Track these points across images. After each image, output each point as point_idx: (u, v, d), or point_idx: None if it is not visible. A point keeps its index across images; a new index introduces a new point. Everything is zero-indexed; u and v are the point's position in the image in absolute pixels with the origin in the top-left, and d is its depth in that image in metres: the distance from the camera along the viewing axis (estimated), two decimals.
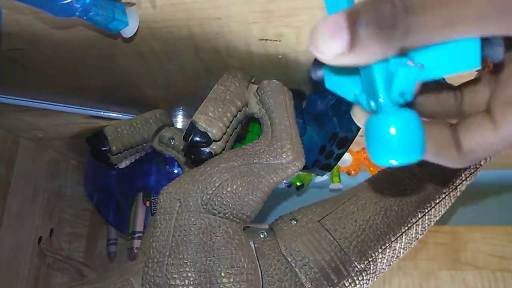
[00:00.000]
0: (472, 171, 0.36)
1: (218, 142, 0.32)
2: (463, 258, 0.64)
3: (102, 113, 0.43)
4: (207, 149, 0.32)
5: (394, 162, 0.15)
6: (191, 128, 0.31)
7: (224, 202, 0.29)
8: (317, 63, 0.17)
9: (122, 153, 0.40)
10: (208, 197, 0.29)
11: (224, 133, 0.32)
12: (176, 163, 0.50)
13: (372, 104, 0.15)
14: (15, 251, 0.51)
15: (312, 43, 0.13)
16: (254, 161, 0.31)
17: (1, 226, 0.48)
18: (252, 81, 0.35)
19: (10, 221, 0.50)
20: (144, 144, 0.41)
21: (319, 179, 0.57)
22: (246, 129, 0.44)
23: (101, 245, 0.69)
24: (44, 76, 0.37)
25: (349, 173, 0.58)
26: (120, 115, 0.44)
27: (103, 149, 0.38)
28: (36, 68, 0.35)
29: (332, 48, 0.13)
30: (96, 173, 0.55)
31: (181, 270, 0.27)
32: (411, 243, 0.34)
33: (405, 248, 0.34)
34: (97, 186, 0.57)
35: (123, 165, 0.42)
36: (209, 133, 0.31)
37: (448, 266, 0.63)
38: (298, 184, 0.56)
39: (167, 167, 0.49)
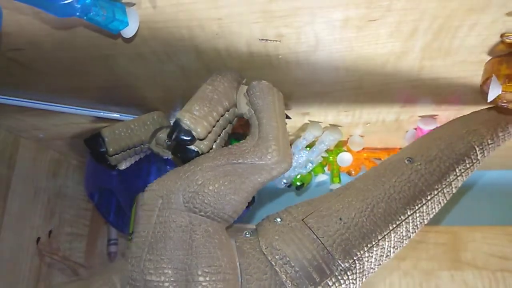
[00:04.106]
0: (468, 166, 0.35)
1: (205, 142, 0.32)
2: (463, 258, 0.64)
3: (102, 113, 0.43)
4: (194, 148, 0.32)
5: None
6: (175, 126, 0.31)
7: (206, 201, 0.29)
8: None
9: (119, 154, 0.40)
10: (190, 195, 0.29)
11: (210, 132, 0.32)
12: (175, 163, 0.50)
13: None
14: (16, 251, 0.51)
15: None
16: (239, 161, 0.31)
17: (2, 226, 0.48)
18: (244, 82, 0.35)
19: (10, 221, 0.50)
20: (142, 145, 0.41)
21: (319, 179, 0.57)
22: (248, 129, 0.44)
23: (101, 245, 0.69)
24: (44, 77, 0.37)
25: (349, 173, 0.58)
26: (120, 116, 0.44)
27: (101, 150, 0.38)
28: (36, 68, 0.35)
29: None
30: (96, 173, 0.55)
31: (158, 266, 0.28)
32: (402, 242, 0.34)
33: (396, 247, 0.33)
34: (98, 186, 0.57)
35: (123, 166, 0.42)
36: (193, 132, 0.31)
37: (448, 266, 0.63)
38: (298, 184, 0.56)
39: (167, 167, 0.50)
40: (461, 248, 0.64)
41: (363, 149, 0.56)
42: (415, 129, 0.50)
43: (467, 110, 0.42)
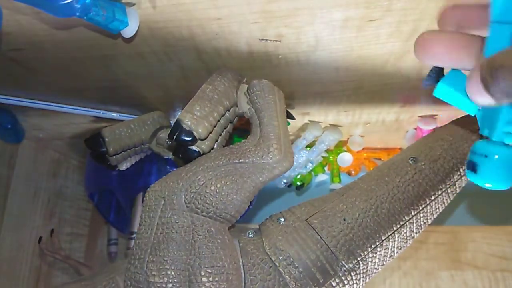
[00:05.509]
0: None
1: (206, 142, 0.32)
2: (463, 258, 0.64)
3: (102, 113, 0.43)
4: (195, 148, 0.32)
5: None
6: (176, 127, 0.31)
7: (207, 201, 0.29)
8: (433, 76, 0.20)
9: (120, 154, 0.40)
10: (192, 195, 0.29)
11: (211, 132, 0.32)
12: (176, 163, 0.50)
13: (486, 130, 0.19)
14: (15, 251, 0.51)
15: (470, 95, 0.18)
16: (240, 160, 0.31)
17: (2, 226, 0.48)
18: (244, 81, 0.35)
19: (10, 221, 0.50)
20: (142, 145, 0.41)
21: (319, 179, 0.57)
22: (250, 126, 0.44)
23: (101, 245, 0.69)
24: (44, 77, 0.37)
25: (349, 173, 0.58)
26: (120, 116, 0.44)
27: (101, 150, 0.38)
28: (36, 68, 0.35)
29: (484, 101, 0.17)
30: (97, 173, 0.55)
31: (161, 267, 0.28)
32: (406, 242, 0.33)
33: (400, 247, 0.33)
34: (98, 186, 0.57)
35: (123, 167, 0.42)
36: (194, 132, 0.31)
37: (448, 266, 0.63)
38: (298, 184, 0.56)
39: (168, 167, 0.50)
40: (461, 248, 0.64)
41: (363, 149, 0.56)
42: (415, 129, 0.50)
43: None
